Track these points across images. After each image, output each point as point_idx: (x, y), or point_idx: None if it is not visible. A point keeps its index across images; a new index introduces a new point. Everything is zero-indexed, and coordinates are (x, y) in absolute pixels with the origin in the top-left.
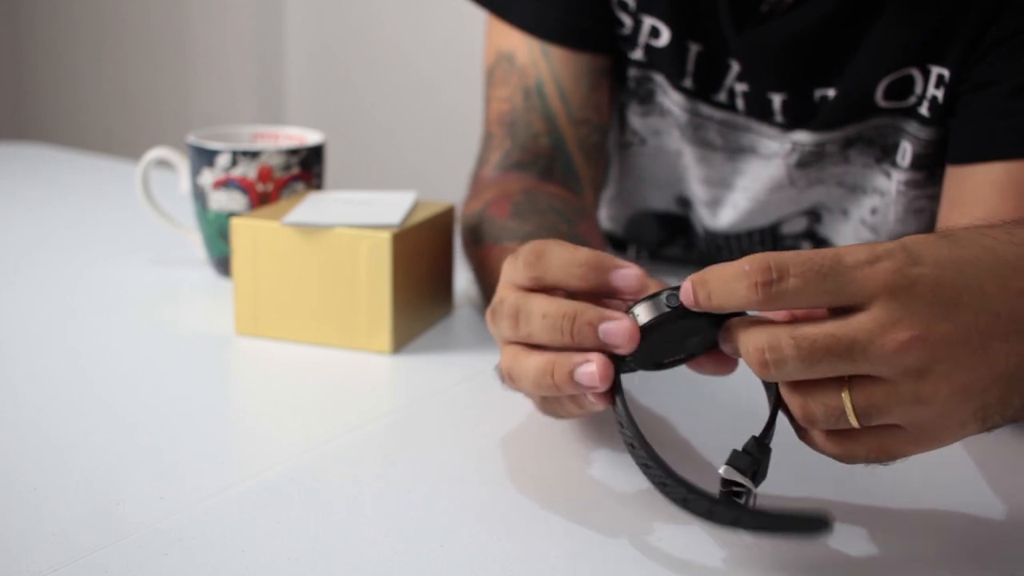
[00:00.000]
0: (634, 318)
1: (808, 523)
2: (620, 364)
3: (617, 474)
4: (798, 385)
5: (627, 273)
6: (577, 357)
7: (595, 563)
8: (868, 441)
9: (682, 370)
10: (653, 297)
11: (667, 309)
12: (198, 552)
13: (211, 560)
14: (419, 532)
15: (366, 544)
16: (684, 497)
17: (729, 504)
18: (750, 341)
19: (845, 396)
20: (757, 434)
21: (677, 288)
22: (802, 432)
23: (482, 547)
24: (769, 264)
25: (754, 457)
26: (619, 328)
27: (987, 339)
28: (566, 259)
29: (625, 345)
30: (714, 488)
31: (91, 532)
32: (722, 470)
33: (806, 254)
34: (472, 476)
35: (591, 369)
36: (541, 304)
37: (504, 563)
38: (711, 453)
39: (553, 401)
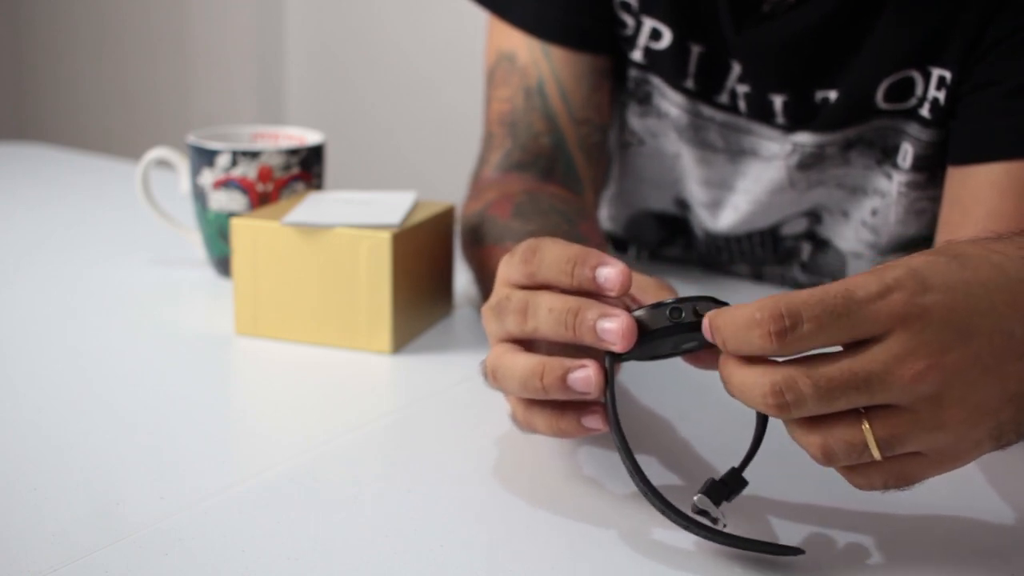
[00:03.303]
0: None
1: (779, 549)
2: (613, 358)
3: (616, 473)
4: (815, 423)
5: (608, 272)
6: (569, 362)
7: (595, 563)
8: (887, 469)
9: (687, 371)
10: (658, 307)
11: (669, 323)
12: (198, 552)
13: (211, 560)
14: (419, 532)
15: (366, 544)
16: (662, 508)
17: (700, 526)
18: (764, 381)
19: (866, 429)
20: (736, 464)
21: (681, 302)
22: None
23: (482, 547)
24: (781, 311)
25: (729, 488)
26: (617, 327)
27: (1000, 359)
28: (557, 255)
29: (620, 344)
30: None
31: (91, 532)
32: (696, 499)
33: (816, 295)
34: (472, 476)
35: (586, 374)
36: (547, 299)
37: (504, 563)
38: (712, 455)
39: (533, 408)
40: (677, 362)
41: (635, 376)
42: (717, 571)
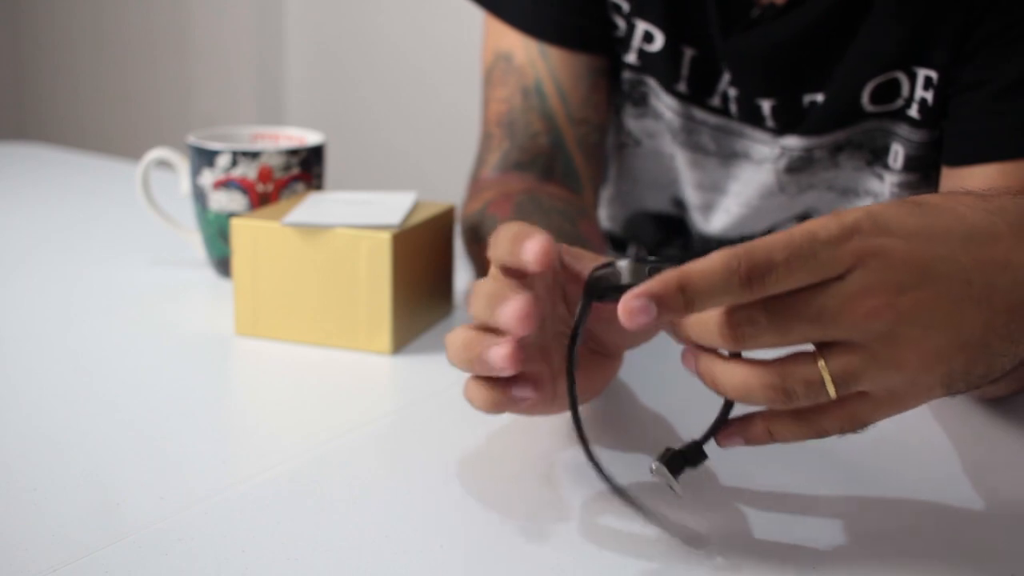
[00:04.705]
0: (617, 272)
1: (690, 537)
2: (588, 299)
3: (618, 473)
4: (771, 365)
5: (528, 246)
6: (488, 339)
7: (596, 562)
8: (840, 413)
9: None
10: (640, 261)
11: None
12: (198, 552)
13: (211, 560)
14: (419, 532)
15: (366, 544)
16: (600, 474)
17: (625, 496)
18: (721, 317)
19: (822, 366)
20: (698, 436)
21: (664, 260)
22: (757, 433)
23: (482, 547)
24: (755, 257)
25: (688, 460)
26: (511, 311)
27: (958, 307)
28: (503, 236)
29: (516, 330)
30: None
31: (91, 532)
32: (654, 466)
33: (782, 239)
34: (472, 476)
35: (500, 352)
36: (485, 284)
37: (505, 563)
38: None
39: (470, 381)
40: (674, 358)
41: (636, 373)
42: (721, 568)
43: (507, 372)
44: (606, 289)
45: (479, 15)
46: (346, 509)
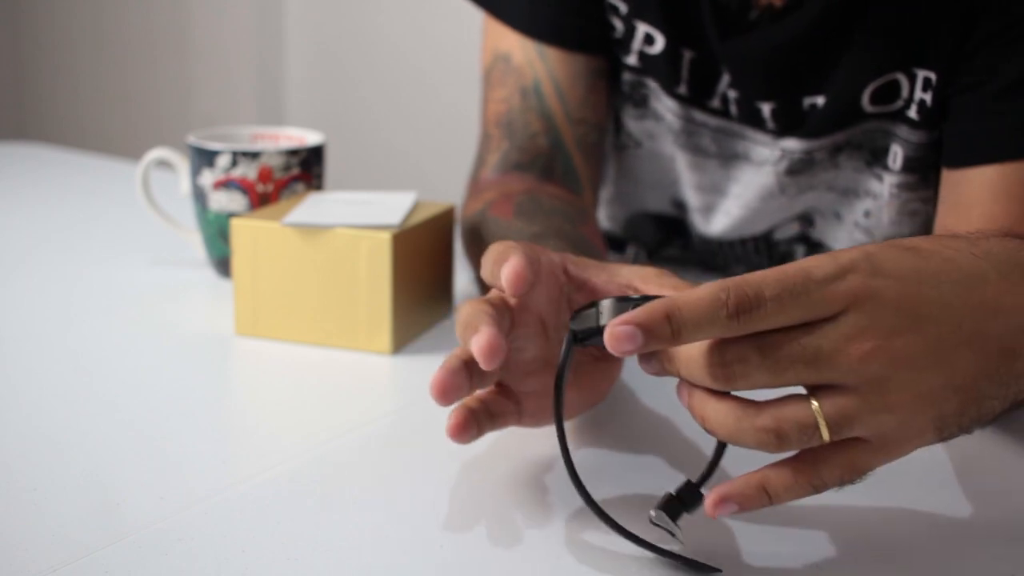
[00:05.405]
0: (599, 312)
1: (700, 566)
2: (572, 342)
3: (620, 473)
4: (763, 406)
5: (505, 273)
6: (470, 329)
7: (598, 562)
8: (837, 461)
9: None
10: (624, 300)
11: None
12: (198, 552)
13: (211, 560)
14: (419, 532)
15: (366, 544)
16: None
17: (632, 538)
18: (711, 355)
19: (815, 408)
20: (694, 478)
21: (648, 299)
22: (751, 495)
23: (482, 547)
24: (745, 290)
25: (685, 503)
26: (478, 345)
27: (949, 350)
28: (488, 257)
29: (483, 361)
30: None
31: (91, 532)
32: (653, 514)
33: (774, 274)
34: (472, 476)
35: (480, 341)
36: (462, 309)
37: (505, 563)
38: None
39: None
40: None
41: (636, 372)
42: (724, 567)
43: (485, 366)
44: (588, 331)
45: (479, 15)
46: (346, 509)
